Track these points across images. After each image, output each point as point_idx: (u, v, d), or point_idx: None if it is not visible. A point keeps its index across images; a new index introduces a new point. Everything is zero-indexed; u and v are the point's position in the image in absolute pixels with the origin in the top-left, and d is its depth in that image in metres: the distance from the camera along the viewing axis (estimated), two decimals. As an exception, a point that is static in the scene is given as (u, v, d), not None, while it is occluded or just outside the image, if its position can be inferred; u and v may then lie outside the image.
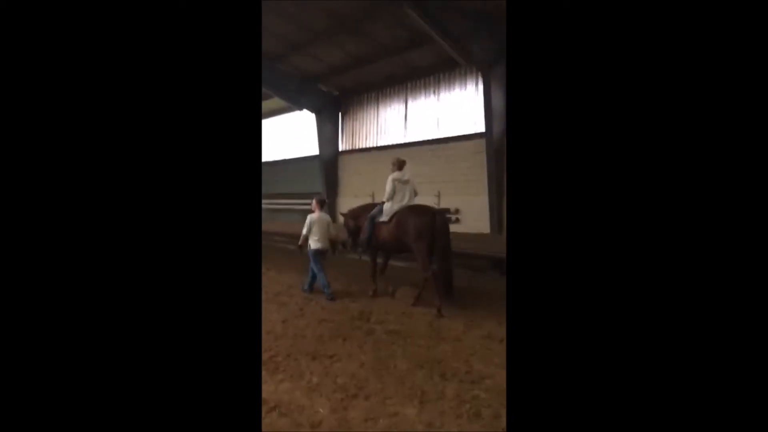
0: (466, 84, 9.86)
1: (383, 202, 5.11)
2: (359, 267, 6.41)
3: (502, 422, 2.19)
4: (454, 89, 10.14)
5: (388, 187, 4.98)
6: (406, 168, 5.16)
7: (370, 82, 11.64)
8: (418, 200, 5.29)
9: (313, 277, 5.19)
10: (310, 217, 5.21)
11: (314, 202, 5.40)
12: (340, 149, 12.99)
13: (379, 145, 11.88)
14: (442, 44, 8.13)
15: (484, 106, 8.45)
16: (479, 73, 8.98)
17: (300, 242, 5.29)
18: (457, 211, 9.59)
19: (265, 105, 14.26)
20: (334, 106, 12.85)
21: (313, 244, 5.18)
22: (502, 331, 3.65)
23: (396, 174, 5.02)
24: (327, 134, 12.69)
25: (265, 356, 3.05)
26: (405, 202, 4.96)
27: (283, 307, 4.60)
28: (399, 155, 6.90)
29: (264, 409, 2.28)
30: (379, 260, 5.47)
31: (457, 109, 10.03)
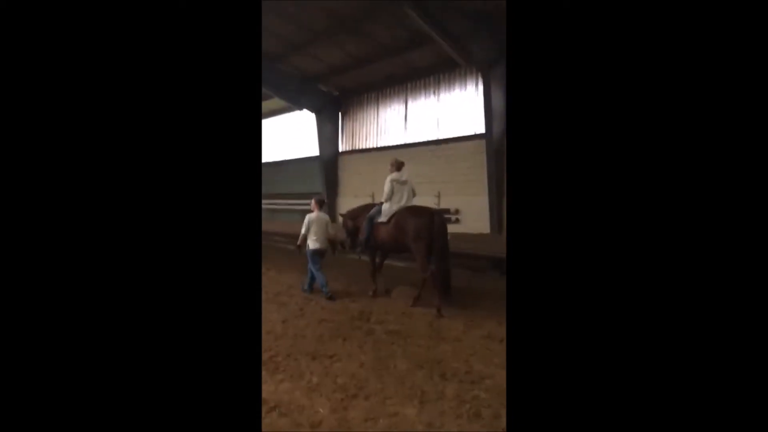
0: (466, 84, 9.86)
1: (381, 203, 5.14)
2: (359, 267, 6.41)
3: (502, 422, 2.19)
4: (454, 90, 10.15)
5: (387, 187, 5.00)
6: (405, 169, 5.18)
7: (370, 82, 11.64)
8: (417, 201, 5.30)
9: (313, 277, 5.21)
10: (308, 217, 5.24)
11: (313, 202, 5.43)
12: (340, 149, 12.99)
13: (379, 145, 11.88)
14: (442, 44, 8.13)
15: (484, 106, 8.45)
16: (479, 74, 8.98)
17: (299, 242, 5.30)
18: (457, 212, 9.59)
19: (265, 105, 14.26)
20: (334, 106, 12.85)
21: (312, 243, 5.21)
22: (502, 331, 3.65)
23: (394, 175, 5.05)
24: (327, 134, 12.69)
25: (265, 356, 3.06)
26: (403, 202, 4.99)
27: (283, 307, 4.60)
28: (399, 156, 6.92)
29: (264, 409, 2.29)
30: (377, 260, 5.50)
31: (457, 110, 10.03)
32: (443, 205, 9.71)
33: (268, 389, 2.54)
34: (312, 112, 12.56)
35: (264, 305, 4.50)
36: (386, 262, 5.77)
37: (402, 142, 11.21)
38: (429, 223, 4.58)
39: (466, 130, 9.72)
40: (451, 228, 9.02)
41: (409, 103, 11.18)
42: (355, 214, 5.71)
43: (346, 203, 10.74)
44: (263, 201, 14.97)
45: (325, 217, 5.34)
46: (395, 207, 4.95)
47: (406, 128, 11.26)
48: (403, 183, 5.05)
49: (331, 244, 5.48)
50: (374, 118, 12.17)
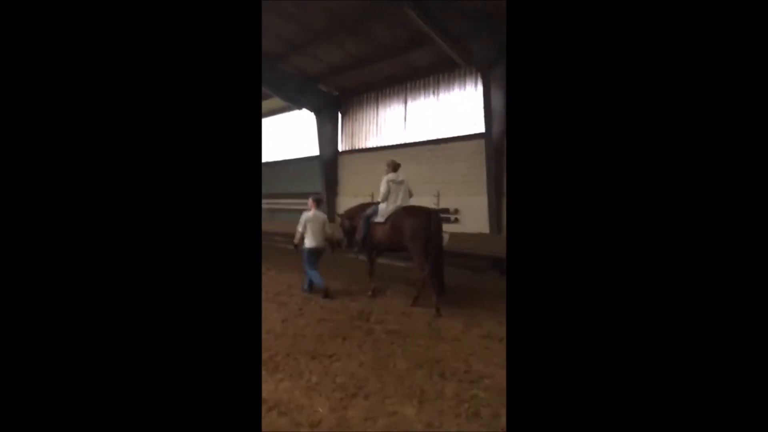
0: (465, 84, 9.86)
1: (378, 203, 5.20)
2: (359, 267, 6.42)
3: (501, 421, 2.20)
4: (453, 89, 10.14)
5: (383, 188, 5.06)
6: (401, 170, 5.25)
7: (369, 82, 11.64)
8: (417, 200, 5.34)
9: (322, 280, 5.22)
10: (305, 215, 5.28)
11: (310, 200, 5.48)
12: (339, 149, 12.99)
13: (378, 145, 11.88)
14: (441, 44, 8.13)
15: (484, 106, 8.44)
16: (479, 74, 8.97)
17: (295, 240, 5.33)
18: (456, 212, 9.60)
19: (265, 104, 14.25)
20: (334, 106, 12.85)
21: (308, 242, 5.24)
22: (501, 331, 3.65)
23: (391, 175, 5.10)
24: (327, 134, 12.69)
25: (264, 355, 3.06)
26: (399, 202, 5.04)
27: (282, 306, 4.60)
28: (398, 155, 6.92)
29: (263, 408, 2.29)
30: (367, 258, 5.56)
31: (456, 110, 10.03)
32: (443, 205, 9.71)
33: (267, 388, 2.54)
34: (312, 111, 12.56)
35: (264, 305, 4.50)
36: (385, 261, 5.78)
37: (401, 142, 11.21)
38: (426, 223, 4.63)
39: (466, 130, 9.72)
40: (451, 228, 9.06)
41: (409, 103, 11.18)
42: (352, 214, 5.78)
43: (346, 203, 10.74)
44: (263, 201, 14.97)
45: (322, 215, 5.38)
46: (392, 207, 5.00)
47: (405, 128, 11.26)
48: (400, 183, 5.10)
49: (330, 244, 5.51)
50: (374, 117, 12.17)
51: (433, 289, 4.48)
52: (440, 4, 7.41)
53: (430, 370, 2.89)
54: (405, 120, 11.27)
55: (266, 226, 12.14)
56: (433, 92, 10.56)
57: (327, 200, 12.13)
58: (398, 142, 11.30)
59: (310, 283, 5.23)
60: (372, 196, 10.35)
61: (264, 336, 3.51)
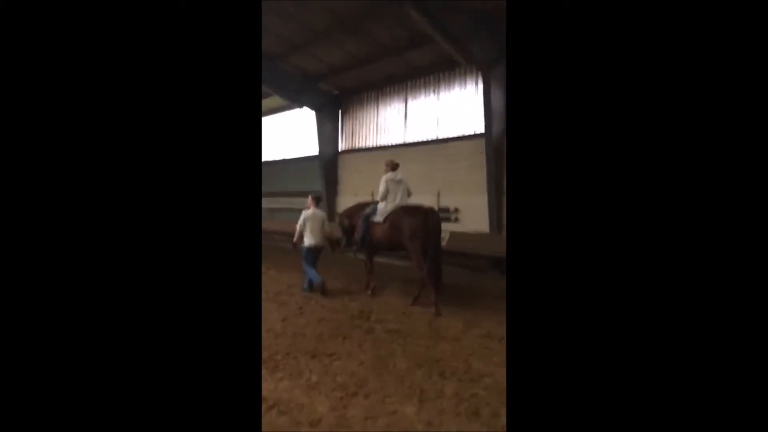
0: (466, 84, 9.85)
1: (377, 202, 5.23)
2: (359, 266, 6.42)
3: (501, 421, 2.20)
4: (453, 89, 10.13)
5: (382, 187, 5.09)
6: (400, 169, 5.29)
7: (370, 81, 11.62)
8: (417, 199, 5.36)
9: (320, 277, 5.24)
10: (304, 214, 5.31)
11: (309, 198, 5.52)
12: (340, 148, 12.99)
13: (379, 144, 11.88)
14: (442, 44, 8.12)
15: (484, 106, 8.44)
16: (479, 73, 8.96)
17: (295, 239, 5.35)
18: (456, 211, 9.59)
19: (265, 103, 14.24)
20: (334, 105, 12.83)
21: (307, 240, 5.27)
22: (501, 330, 3.66)
23: (389, 175, 5.14)
24: (327, 133, 12.67)
25: (264, 354, 3.06)
26: (398, 201, 5.07)
27: (283, 305, 4.61)
28: (399, 155, 6.93)
29: (263, 407, 2.29)
30: (366, 257, 5.58)
31: (456, 109, 10.02)
32: (443, 204, 9.71)
33: (267, 387, 2.55)
34: (312, 110, 12.55)
35: (264, 304, 4.51)
36: (384, 261, 5.80)
37: (402, 141, 11.20)
38: (424, 222, 4.66)
39: (466, 129, 9.71)
40: (451, 227, 9.06)
41: (409, 102, 11.17)
42: (351, 213, 5.84)
43: (346, 202, 10.74)
44: (263, 200, 14.97)
45: (322, 214, 5.41)
46: (390, 206, 5.03)
47: (405, 127, 11.25)
48: (398, 182, 5.13)
49: (330, 243, 5.54)
50: (374, 117, 12.15)
51: (432, 288, 4.49)
52: (440, 3, 7.40)
53: (430, 369, 2.90)
54: (405, 119, 11.26)
55: (266, 225, 12.14)
56: (434, 91, 10.55)
57: (327, 199, 12.13)
58: (398, 142, 11.30)
59: (310, 283, 5.24)
60: (372, 195, 10.35)
61: (264, 335, 3.51)
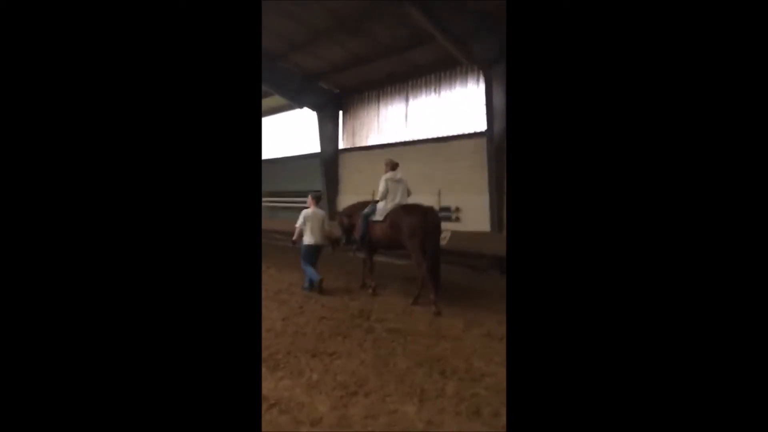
0: (467, 82, 9.84)
1: (376, 201, 5.27)
2: (359, 265, 6.42)
3: (502, 420, 2.20)
4: (455, 88, 10.11)
5: (381, 186, 5.13)
6: (399, 168, 5.33)
7: (370, 80, 11.60)
8: (418, 199, 5.38)
9: (317, 276, 5.26)
10: (304, 213, 5.35)
11: (309, 197, 5.57)
12: (340, 147, 12.98)
13: (379, 143, 11.87)
14: (443, 43, 8.11)
15: (485, 104, 8.43)
16: (480, 72, 8.95)
17: (294, 237, 5.38)
18: (457, 210, 9.58)
19: (266, 103, 14.23)
20: (335, 104, 12.82)
21: (307, 239, 5.31)
22: (501, 330, 3.66)
23: (389, 174, 5.18)
24: (328, 132, 12.66)
25: (265, 353, 3.07)
26: (397, 200, 5.11)
27: (283, 304, 4.61)
28: (400, 154, 6.92)
29: (264, 406, 2.30)
30: (366, 256, 5.62)
31: (458, 108, 10.01)
32: (444, 204, 9.71)
33: (268, 386, 2.55)
34: (313, 110, 12.55)
35: (264, 303, 4.51)
36: (385, 260, 5.81)
37: (403, 140, 11.19)
38: (423, 221, 4.69)
39: (467, 128, 9.69)
40: (452, 226, 9.05)
41: (410, 101, 11.15)
42: (351, 211, 5.90)
43: (347, 201, 10.73)
44: (263, 199, 14.97)
45: (321, 212, 5.45)
46: (390, 205, 5.07)
47: (406, 126, 11.24)
48: (398, 181, 5.17)
49: (331, 242, 5.57)
50: (375, 116, 12.14)
51: (431, 287, 4.51)
52: (441, 2, 7.39)
53: (431, 368, 2.90)
54: (406, 118, 11.25)
55: (267, 224, 12.15)
56: (435, 90, 10.53)
57: (328, 198, 12.13)
58: (399, 140, 11.29)
59: (311, 282, 5.26)
60: (373, 194, 10.34)
61: (265, 334, 3.52)
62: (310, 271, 5.25)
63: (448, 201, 9.74)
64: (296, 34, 9.82)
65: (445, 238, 8.07)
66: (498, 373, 2.80)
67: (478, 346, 3.37)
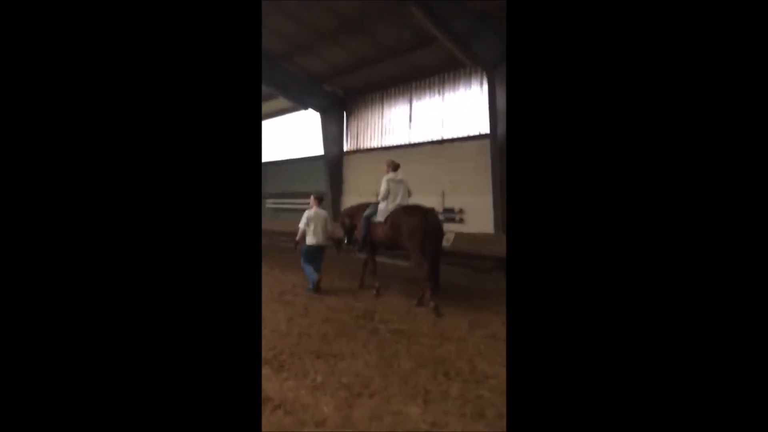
0: (470, 84, 9.84)
1: (377, 202, 5.31)
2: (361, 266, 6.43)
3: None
4: (458, 89, 10.11)
5: (383, 187, 5.18)
6: (400, 169, 5.37)
7: (374, 82, 11.62)
8: (422, 200, 5.40)
9: (316, 275, 5.29)
10: (307, 213, 5.39)
11: (312, 198, 5.61)
12: (344, 149, 13.00)
13: (383, 145, 11.88)
14: (446, 44, 8.12)
15: (489, 106, 8.43)
16: (484, 74, 8.95)
17: (297, 238, 5.42)
18: (461, 211, 9.58)
19: (271, 105, 14.28)
20: (339, 106, 12.85)
21: (309, 239, 5.35)
22: (505, 331, 3.64)
23: (390, 175, 5.23)
24: (332, 134, 12.70)
25: (269, 355, 3.07)
26: (398, 201, 5.15)
27: (287, 305, 4.62)
28: (403, 155, 6.93)
29: (269, 407, 2.30)
30: (368, 256, 5.64)
31: (461, 110, 10.01)
32: (448, 205, 9.70)
33: (273, 387, 2.55)
34: (317, 111, 12.58)
35: (269, 304, 4.52)
36: (389, 261, 5.83)
37: (406, 142, 11.20)
38: (423, 222, 4.71)
39: (471, 129, 9.69)
40: (455, 228, 9.05)
41: (414, 102, 11.16)
42: (353, 212, 5.95)
43: (351, 202, 10.74)
44: (268, 200, 15.01)
45: (324, 213, 5.49)
46: (391, 206, 5.11)
47: (410, 128, 11.25)
48: (399, 182, 5.21)
49: (335, 243, 5.60)
50: (379, 117, 12.16)
51: (429, 287, 4.52)
52: (445, 3, 7.40)
53: (435, 370, 2.90)
54: (410, 120, 11.26)
55: (271, 225, 12.18)
56: (438, 92, 10.54)
57: (332, 200, 12.16)
58: (403, 142, 11.30)
59: (314, 283, 5.28)
60: (377, 195, 10.32)
61: (269, 335, 3.53)
62: (309, 271, 5.31)
63: (452, 202, 9.73)
64: (300, 36, 9.86)
65: (448, 240, 8.08)
66: (502, 374, 2.80)
67: (482, 348, 3.36)
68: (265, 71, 10.54)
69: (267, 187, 15.18)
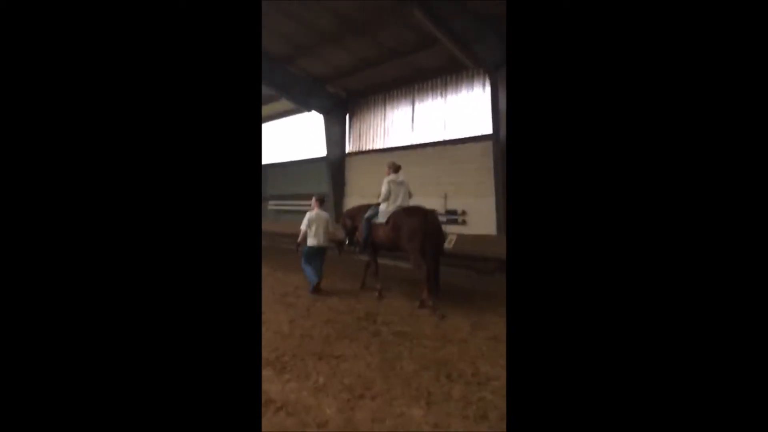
0: (473, 86, 9.84)
1: (378, 203, 5.33)
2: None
3: (509, 424, 2.19)
4: (461, 91, 10.12)
5: (384, 188, 5.20)
6: (401, 171, 5.39)
7: (377, 84, 11.65)
8: (424, 202, 5.41)
9: (316, 278, 5.31)
10: (308, 215, 5.41)
11: (313, 199, 5.63)
12: (347, 151, 13.02)
13: (386, 146, 11.89)
14: (449, 46, 8.13)
15: (491, 107, 8.43)
16: (486, 75, 8.96)
17: (299, 240, 5.42)
18: (463, 213, 9.57)
19: (274, 107, 14.32)
20: (342, 107, 12.88)
21: (311, 241, 5.36)
22: (508, 333, 3.63)
23: (391, 176, 5.25)
24: (334, 136, 12.72)
25: (272, 356, 3.08)
26: (399, 202, 5.16)
27: (290, 307, 4.62)
28: (406, 157, 6.94)
29: (271, 408, 2.30)
30: (370, 258, 5.64)
31: (464, 111, 10.01)
32: (450, 207, 9.70)
33: (275, 389, 2.56)
34: (320, 113, 12.60)
35: (271, 306, 4.53)
36: (391, 263, 5.84)
37: (409, 144, 11.21)
38: (423, 223, 4.72)
39: (473, 131, 9.70)
40: (458, 229, 9.04)
41: (416, 104, 11.18)
42: (354, 214, 5.97)
43: (353, 203, 10.74)
44: (270, 202, 15.03)
45: (325, 214, 5.50)
46: (392, 207, 5.13)
47: (413, 129, 11.26)
48: (400, 184, 5.23)
49: (337, 245, 5.60)
50: (381, 119, 12.18)
51: (427, 288, 4.53)
52: (447, 5, 7.41)
53: (437, 371, 2.89)
54: (412, 121, 11.27)
55: (274, 227, 12.20)
56: (441, 94, 10.55)
57: (334, 201, 12.17)
58: (406, 144, 11.30)
59: (315, 284, 5.30)
60: (379, 197, 10.31)
61: (272, 336, 3.53)
62: (308, 272, 5.32)
63: (455, 204, 9.73)
64: (303, 38, 9.88)
65: (450, 242, 8.08)
66: (504, 376, 2.79)
67: (484, 350, 3.36)
68: (269, 73, 10.58)
69: (269, 188, 15.20)
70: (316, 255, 5.41)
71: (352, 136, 13.05)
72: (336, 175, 12.75)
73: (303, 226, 5.38)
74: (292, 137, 15.54)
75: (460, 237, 8.48)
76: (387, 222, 5.07)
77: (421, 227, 4.69)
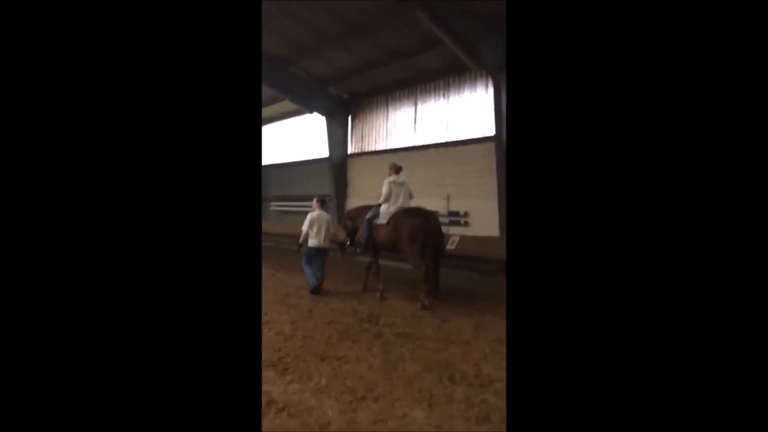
0: (476, 87, 9.83)
1: (379, 204, 5.35)
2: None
3: (512, 426, 2.18)
4: (463, 92, 10.11)
5: (385, 189, 5.21)
6: (402, 172, 5.40)
7: (379, 85, 11.65)
8: (427, 203, 5.42)
9: (317, 279, 5.31)
10: (310, 216, 5.44)
11: (315, 200, 5.66)
12: (349, 152, 13.02)
13: (388, 148, 11.89)
14: (452, 48, 8.13)
15: (494, 109, 8.42)
16: (489, 77, 8.95)
17: (300, 240, 5.43)
18: (466, 215, 9.56)
19: (276, 108, 14.34)
20: (344, 109, 12.89)
21: (312, 241, 5.37)
22: (511, 335, 3.63)
23: (392, 177, 5.26)
24: (337, 137, 12.73)
25: (274, 357, 3.08)
26: (400, 203, 5.18)
27: (292, 308, 4.62)
28: (408, 158, 6.94)
29: (273, 409, 2.30)
30: (371, 259, 5.65)
31: (466, 113, 10.00)
32: (452, 208, 9.69)
33: (277, 390, 2.55)
34: (322, 114, 12.62)
35: (273, 307, 4.53)
36: (393, 264, 5.84)
37: (411, 145, 11.20)
38: (423, 224, 4.74)
39: (476, 132, 9.68)
40: (461, 231, 9.03)
41: (419, 105, 11.17)
42: (354, 214, 6.00)
43: (355, 205, 10.74)
44: (272, 203, 15.05)
45: (326, 215, 5.52)
46: (393, 208, 5.14)
47: (415, 131, 11.26)
48: (401, 185, 5.24)
49: (339, 246, 5.61)
50: (384, 120, 12.18)
51: (426, 289, 4.53)
52: (450, 6, 7.41)
53: (440, 373, 2.88)
54: (415, 123, 11.27)
55: (276, 228, 12.21)
56: (444, 95, 10.54)
57: (337, 202, 12.18)
58: (408, 145, 11.30)
59: (316, 285, 5.31)
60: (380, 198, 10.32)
61: (274, 338, 3.53)
62: (308, 273, 5.33)
63: (457, 206, 9.72)
64: (306, 40, 9.90)
65: (453, 243, 8.07)
66: (507, 378, 2.78)
67: (487, 351, 3.35)
68: (271, 74, 10.59)
69: (272, 189, 15.22)
70: (317, 256, 5.42)
71: (354, 137, 13.05)
72: (338, 176, 12.75)
73: (304, 227, 5.40)
74: (294, 138, 15.55)
75: (463, 238, 8.47)
76: (388, 223, 5.08)
77: (421, 228, 4.69)
